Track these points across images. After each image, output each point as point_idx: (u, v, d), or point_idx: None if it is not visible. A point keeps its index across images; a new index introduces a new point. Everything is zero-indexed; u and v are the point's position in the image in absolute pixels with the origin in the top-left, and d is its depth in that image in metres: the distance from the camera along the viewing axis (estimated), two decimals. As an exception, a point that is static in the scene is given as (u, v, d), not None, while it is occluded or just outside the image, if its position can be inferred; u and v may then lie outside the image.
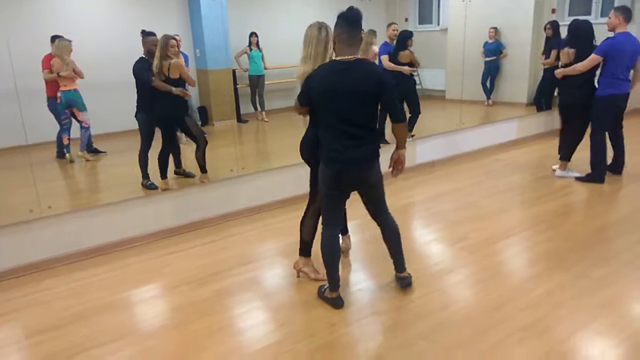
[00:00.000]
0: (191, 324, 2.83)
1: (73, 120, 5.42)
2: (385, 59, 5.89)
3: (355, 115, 2.62)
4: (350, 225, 3.69)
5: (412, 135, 5.88)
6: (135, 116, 4.58)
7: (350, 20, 2.59)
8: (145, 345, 2.67)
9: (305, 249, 3.27)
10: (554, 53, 6.58)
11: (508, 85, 8.42)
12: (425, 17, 9.87)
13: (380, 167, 2.81)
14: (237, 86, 7.89)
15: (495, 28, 8.25)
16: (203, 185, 4.46)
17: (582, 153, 5.12)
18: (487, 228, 3.98)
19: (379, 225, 2.97)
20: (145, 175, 4.56)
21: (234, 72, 7.74)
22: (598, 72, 4.79)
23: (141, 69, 4.41)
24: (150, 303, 3.14)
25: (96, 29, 6.07)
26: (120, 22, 6.35)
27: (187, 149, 4.82)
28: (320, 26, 2.93)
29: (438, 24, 9.54)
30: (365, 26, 2.90)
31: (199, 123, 4.82)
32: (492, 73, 8.45)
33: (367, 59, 2.99)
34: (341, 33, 2.60)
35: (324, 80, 2.62)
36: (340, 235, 3.55)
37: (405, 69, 5.83)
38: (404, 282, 3.02)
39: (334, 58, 2.68)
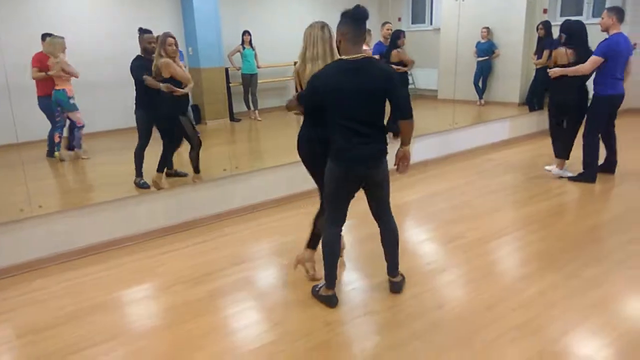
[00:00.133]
0: (185, 324, 2.82)
1: (68, 119, 5.38)
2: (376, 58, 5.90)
3: (364, 114, 2.62)
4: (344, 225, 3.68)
5: (393, 139, 5.90)
6: (135, 113, 4.57)
7: (357, 18, 2.59)
8: (139, 345, 2.66)
9: (315, 242, 3.24)
10: (546, 53, 6.62)
11: (500, 85, 8.46)
12: (418, 16, 9.89)
13: (387, 166, 2.81)
14: (230, 85, 7.85)
15: (488, 28, 8.28)
16: (196, 184, 4.44)
17: (574, 152, 5.16)
18: (480, 227, 4.00)
19: (379, 225, 2.96)
20: (139, 173, 4.53)
21: (226, 70, 7.70)
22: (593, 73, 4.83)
23: (136, 67, 4.41)
24: (143, 303, 3.13)
25: (88, 27, 6.02)
26: (112, 20, 6.30)
27: (181, 148, 4.79)
28: (323, 25, 2.93)
29: (431, 24, 9.56)
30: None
31: (194, 123, 4.77)
32: (484, 73, 8.48)
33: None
34: (348, 32, 2.59)
35: (332, 79, 2.61)
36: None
37: (395, 68, 5.84)
38: (394, 287, 3.03)
39: (340, 57, 2.67)
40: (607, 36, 4.64)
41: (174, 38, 4.31)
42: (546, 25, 6.98)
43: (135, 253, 3.80)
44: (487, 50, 8.34)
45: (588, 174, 4.96)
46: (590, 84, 4.93)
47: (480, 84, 8.50)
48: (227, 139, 6.66)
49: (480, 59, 8.38)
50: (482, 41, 8.34)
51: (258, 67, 8.04)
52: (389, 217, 2.93)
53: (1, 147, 4.52)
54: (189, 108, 4.64)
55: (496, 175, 5.46)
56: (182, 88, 4.39)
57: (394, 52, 5.93)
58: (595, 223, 4.09)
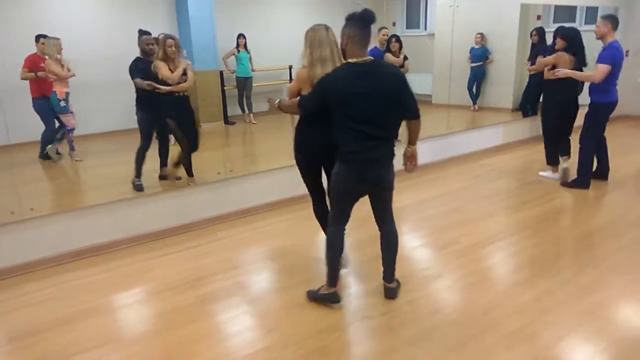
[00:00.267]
0: (177, 329, 2.79)
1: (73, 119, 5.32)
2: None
3: (375, 117, 2.62)
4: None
5: (398, 140, 5.90)
6: (136, 114, 4.56)
7: (365, 21, 2.59)
8: (131, 351, 2.62)
9: None
10: (539, 59, 6.65)
11: (494, 90, 8.49)
12: (412, 21, 9.91)
13: (394, 168, 2.81)
14: (225, 88, 7.82)
15: (482, 34, 8.31)
16: (189, 188, 4.40)
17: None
18: (475, 233, 3.99)
19: (381, 230, 2.94)
20: (137, 174, 4.51)
21: (221, 73, 7.67)
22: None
23: (133, 69, 4.42)
24: (135, 308, 3.09)
25: (81, 28, 5.97)
26: (106, 22, 6.26)
27: (175, 150, 4.75)
28: (327, 27, 2.93)
29: (425, 29, 9.58)
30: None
31: (190, 127, 4.72)
32: (478, 78, 8.50)
33: None
34: (355, 35, 2.59)
35: (342, 82, 2.60)
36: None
37: None
38: (389, 293, 3.01)
39: (347, 60, 2.66)
40: (602, 44, 4.66)
41: (174, 40, 4.30)
42: (540, 32, 7.02)
43: (128, 257, 3.76)
44: (481, 56, 8.37)
45: (582, 180, 4.97)
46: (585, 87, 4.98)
47: (474, 90, 8.52)
48: (221, 142, 6.63)
49: (474, 64, 8.40)
50: (476, 47, 8.37)
51: (253, 71, 8.02)
52: (392, 223, 2.93)
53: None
54: (186, 112, 4.58)
55: (490, 181, 5.46)
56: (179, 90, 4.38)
57: (387, 55, 5.98)
58: (589, 229, 4.10)
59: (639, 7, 8.37)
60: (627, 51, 5.26)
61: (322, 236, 3.91)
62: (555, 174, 5.29)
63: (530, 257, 3.57)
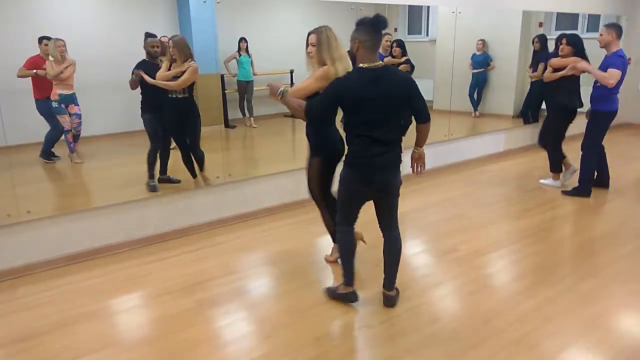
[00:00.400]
0: (174, 335, 2.75)
1: (69, 121, 5.29)
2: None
3: (385, 122, 2.64)
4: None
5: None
6: (141, 117, 4.55)
7: (376, 27, 2.60)
8: (128, 356, 2.58)
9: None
10: (541, 66, 6.64)
11: (495, 97, 8.47)
12: (414, 27, 9.90)
13: (400, 175, 2.82)
14: (226, 91, 7.80)
15: (483, 40, 8.30)
16: (188, 191, 4.36)
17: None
18: (475, 240, 3.96)
19: (384, 237, 2.92)
20: (151, 175, 4.48)
21: (222, 77, 7.66)
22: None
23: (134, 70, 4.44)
24: (131, 313, 3.05)
25: (82, 30, 5.95)
26: (107, 23, 6.24)
27: (176, 154, 4.72)
28: (330, 28, 2.98)
29: (427, 35, 9.58)
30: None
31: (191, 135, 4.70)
32: (479, 85, 8.49)
33: None
34: (367, 40, 2.59)
35: (355, 87, 2.60)
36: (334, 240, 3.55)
37: None
38: (388, 301, 2.97)
39: (359, 65, 2.65)
40: (605, 52, 4.64)
41: (172, 41, 4.31)
42: (542, 39, 7.02)
43: (126, 260, 3.73)
44: (482, 63, 8.36)
45: (583, 189, 4.95)
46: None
47: (475, 96, 8.51)
48: (221, 145, 6.59)
49: (476, 70, 8.40)
50: (478, 53, 8.36)
51: (254, 75, 8.01)
52: (396, 230, 2.91)
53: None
54: (187, 116, 4.57)
55: (491, 188, 5.44)
56: (176, 91, 4.37)
57: (387, 58, 5.99)
58: (590, 237, 4.07)
59: (641, 15, 8.38)
60: (629, 59, 5.24)
61: (321, 241, 3.89)
62: (556, 182, 5.27)
63: (531, 265, 3.53)
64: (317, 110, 2.77)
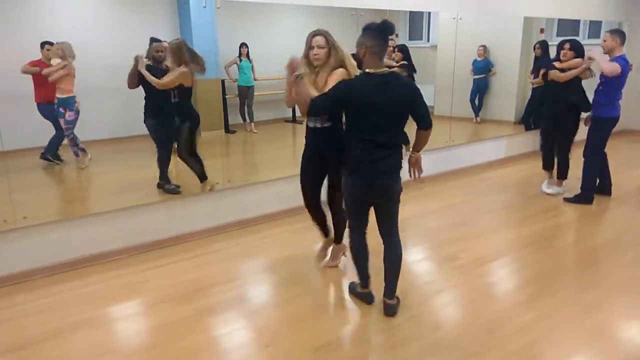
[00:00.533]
0: (172, 343, 2.72)
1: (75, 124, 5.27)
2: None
3: (388, 128, 2.66)
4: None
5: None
6: (144, 122, 4.54)
7: (384, 32, 2.61)
8: (122, 366, 2.55)
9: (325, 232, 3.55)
10: (542, 72, 6.62)
11: (496, 103, 8.46)
12: (415, 33, 9.90)
13: (401, 180, 2.82)
14: (226, 96, 7.80)
15: (484, 46, 8.29)
16: (186, 197, 4.32)
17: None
18: (476, 248, 3.93)
19: (384, 243, 2.91)
20: (163, 177, 4.47)
21: (223, 82, 7.65)
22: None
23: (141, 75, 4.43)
24: (130, 320, 3.02)
25: (82, 34, 5.93)
26: (107, 28, 6.23)
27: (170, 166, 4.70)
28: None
29: (428, 41, 9.57)
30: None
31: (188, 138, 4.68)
32: (480, 91, 8.47)
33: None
34: (374, 45, 2.61)
35: (362, 91, 2.62)
36: (331, 243, 3.53)
37: None
38: (389, 310, 2.94)
39: (366, 70, 2.66)
40: (608, 58, 4.62)
41: (164, 44, 4.41)
42: (543, 45, 7.00)
43: (123, 267, 3.69)
44: (483, 68, 8.35)
45: (585, 196, 4.91)
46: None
47: (476, 102, 8.49)
48: (221, 151, 6.57)
49: (477, 76, 8.38)
50: (479, 59, 8.35)
51: (255, 80, 8.01)
52: (396, 237, 2.90)
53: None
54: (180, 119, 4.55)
55: (492, 194, 5.41)
56: (172, 93, 4.39)
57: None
58: (593, 245, 4.03)
59: (643, 21, 8.37)
60: (631, 65, 5.22)
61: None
62: (560, 188, 5.22)
63: (534, 273, 3.50)
64: (319, 108, 2.78)
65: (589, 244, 4.07)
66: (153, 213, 4.07)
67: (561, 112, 4.97)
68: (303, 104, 2.85)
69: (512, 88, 8.20)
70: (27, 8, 5.58)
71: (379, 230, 2.90)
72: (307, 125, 3.21)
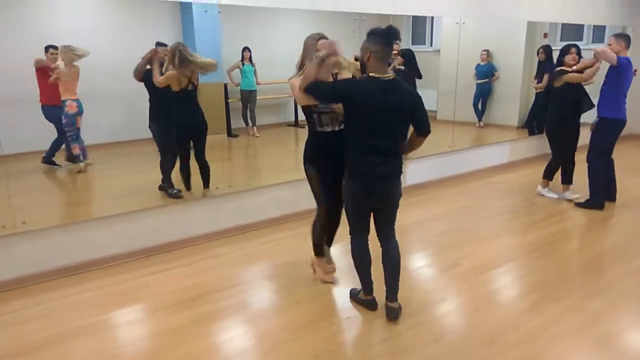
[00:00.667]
0: (173, 350, 2.69)
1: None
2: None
3: (390, 133, 2.67)
4: (334, 247, 3.58)
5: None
6: (149, 127, 4.55)
7: (389, 37, 2.63)
8: (120, 374, 2.52)
9: (317, 250, 3.42)
10: (546, 77, 6.58)
11: (499, 107, 8.43)
12: (418, 37, 9.89)
13: (401, 185, 2.82)
14: (229, 100, 7.79)
15: (488, 51, 8.27)
16: (187, 202, 4.30)
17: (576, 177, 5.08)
18: (479, 254, 3.88)
19: (382, 247, 2.91)
20: (169, 184, 4.47)
21: (225, 86, 7.64)
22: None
23: (145, 79, 4.48)
24: (129, 326, 2.99)
25: (84, 38, 5.94)
26: (110, 33, 6.23)
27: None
28: None
29: (431, 45, 9.56)
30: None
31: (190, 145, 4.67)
32: (484, 95, 8.45)
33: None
34: (378, 50, 2.62)
35: (368, 95, 2.61)
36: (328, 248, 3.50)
37: None
38: (391, 313, 2.91)
39: (370, 74, 2.65)
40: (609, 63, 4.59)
41: (165, 47, 4.44)
42: (547, 50, 6.98)
43: (121, 274, 3.66)
44: (486, 73, 8.32)
45: (594, 201, 4.86)
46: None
47: (479, 106, 8.47)
48: (223, 155, 6.55)
49: (480, 81, 8.36)
50: (482, 64, 8.32)
51: (257, 84, 8.00)
52: (394, 240, 2.91)
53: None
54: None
55: (496, 200, 5.37)
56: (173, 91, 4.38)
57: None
58: (598, 252, 3.99)
59: (647, 26, 8.33)
60: (635, 70, 5.19)
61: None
62: (564, 193, 5.18)
63: (537, 281, 3.45)
64: (319, 91, 2.70)
65: (594, 250, 4.03)
66: (154, 218, 4.05)
67: (568, 113, 4.93)
68: (305, 80, 2.70)
69: (515, 93, 8.17)
70: (31, 12, 5.58)
71: (378, 235, 2.91)
72: (315, 131, 3.05)
